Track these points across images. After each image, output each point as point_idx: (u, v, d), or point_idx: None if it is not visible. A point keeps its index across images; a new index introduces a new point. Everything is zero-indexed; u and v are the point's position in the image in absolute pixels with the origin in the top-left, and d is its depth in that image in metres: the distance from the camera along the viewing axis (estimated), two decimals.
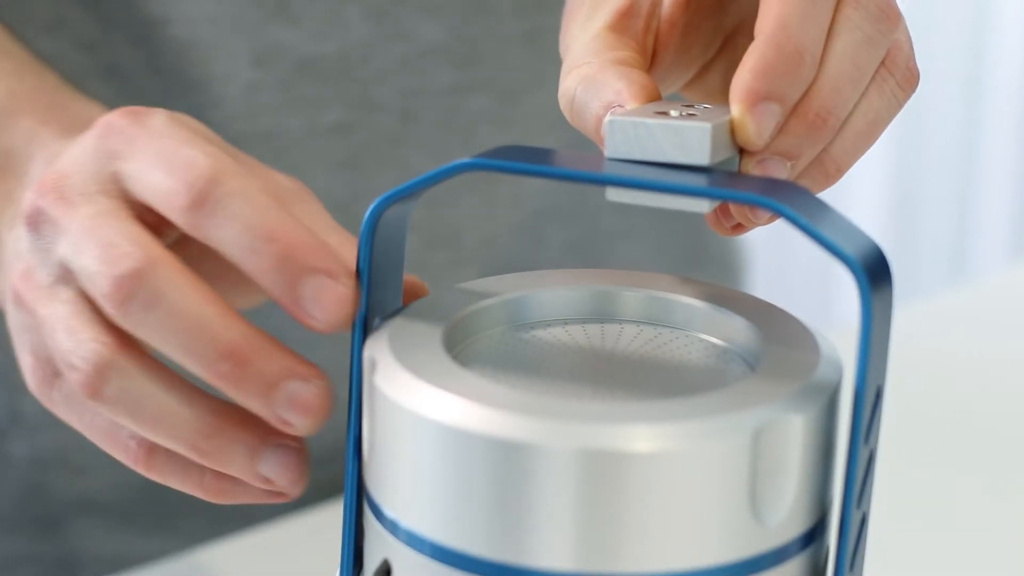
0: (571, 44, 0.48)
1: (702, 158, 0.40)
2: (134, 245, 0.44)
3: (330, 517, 0.67)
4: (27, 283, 0.48)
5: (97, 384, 0.45)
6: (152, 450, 0.47)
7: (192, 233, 0.45)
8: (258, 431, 0.45)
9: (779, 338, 0.42)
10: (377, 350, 0.41)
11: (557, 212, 0.77)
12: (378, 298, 0.43)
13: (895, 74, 0.46)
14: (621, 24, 0.48)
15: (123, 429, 0.47)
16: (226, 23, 0.68)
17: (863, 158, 2.22)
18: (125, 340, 0.45)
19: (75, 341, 0.45)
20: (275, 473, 0.45)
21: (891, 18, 0.45)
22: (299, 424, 0.43)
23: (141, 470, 0.47)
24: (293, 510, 0.74)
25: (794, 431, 0.38)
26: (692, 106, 0.43)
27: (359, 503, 0.42)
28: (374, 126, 0.71)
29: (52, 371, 0.48)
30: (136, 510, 0.74)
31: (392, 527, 0.40)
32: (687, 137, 0.41)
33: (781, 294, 2.20)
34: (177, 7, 0.67)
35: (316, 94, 0.69)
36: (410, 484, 0.39)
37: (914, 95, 2.19)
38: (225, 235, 0.44)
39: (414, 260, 0.73)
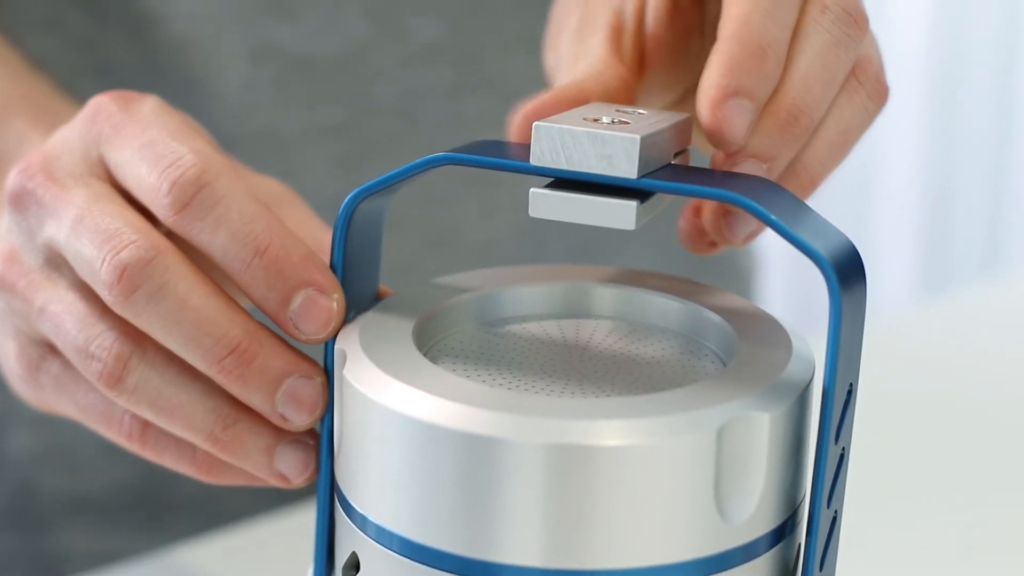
0: (561, 60, 0.48)
1: (629, 171, 0.38)
2: (137, 233, 0.44)
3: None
4: (13, 266, 0.47)
5: (119, 375, 0.44)
6: (146, 427, 0.46)
7: (177, 232, 0.44)
8: (273, 427, 0.45)
9: (752, 336, 0.41)
10: (347, 343, 0.41)
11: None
12: (353, 292, 0.43)
13: (865, 85, 0.46)
14: (615, 42, 0.47)
15: (116, 407, 0.46)
16: (222, 19, 0.67)
17: (898, 155, 2.21)
18: (139, 330, 0.45)
19: (90, 332, 0.45)
20: (289, 469, 0.45)
21: (859, 23, 0.45)
22: (297, 420, 0.43)
23: (135, 447, 0.47)
24: (281, 507, 0.74)
25: (760, 429, 0.37)
26: (629, 112, 0.41)
27: (331, 498, 0.42)
28: (372, 126, 0.71)
29: (40, 354, 0.47)
30: (128, 509, 0.74)
31: (361, 522, 0.40)
32: (614, 148, 0.38)
33: (804, 291, 2.19)
34: (173, 3, 0.67)
35: (314, 93, 0.69)
36: (378, 479, 0.39)
37: (948, 92, 2.18)
38: (211, 240, 0.44)
39: (411, 260, 0.73)
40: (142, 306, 0.43)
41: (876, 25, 0.48)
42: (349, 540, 0.40)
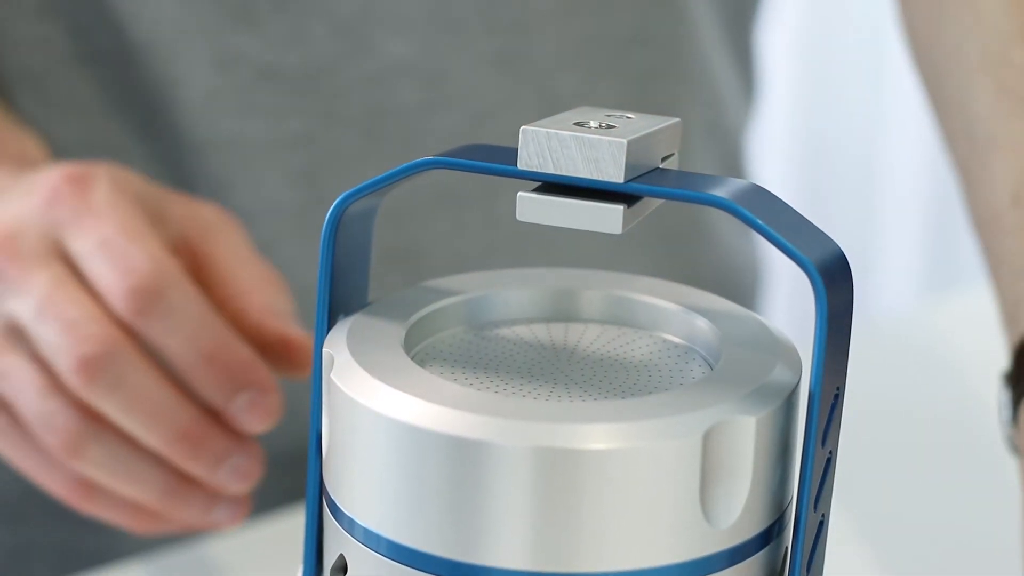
0: None
1: (616, 175, 0.38)
2: (97, 326, 0.48)
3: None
4: None
5: (76, 449, 0.49)
6: (91, 489, 0.51)
7: (133, 329, 0.49)
8: (211, 489, 0.51)
9: (739, 339, 0.41)
10: (336, 347, 0.41)
11: (538, 235, 0.76)
12: (341, 295, 0.43)
13: None
14: None
15: (62, 470, 0.51)
16: (188, 27, 0.68)
17: (902, 154, 2.21)
18: (95, 410, 0.50)
19: (50, 405, 0.49)
20: (224, 519, 0.51)
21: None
22: (237, 489, 0.50)
23: (75, 504, 0.51)
24: (270, 510, 0.74)
25: (746, 432, 0.38)
26: (617, 116, 0.41)
27: (320, 500, 0.42)
28: (337, 139, 0.70)
29: None
30: None
31: (348, 524, 0.40)
32: (601, 152, 0.38)
33: (808, 299, 2.19)
34: (140, 10, 0.67)
35: (277, 104, 0.69)
36: (365, 482, 0.39)
37: None
38: (164, 343, 0.48)
39: (374, 276, 0.72)
40: (101, 395, 0.48)
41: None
42: (337, 542, 0.41)
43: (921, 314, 0.93)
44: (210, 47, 0.68)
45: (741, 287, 0.85)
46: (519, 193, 0.39)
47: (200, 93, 0.69)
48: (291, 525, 0.65)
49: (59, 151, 0.69)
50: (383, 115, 0.71)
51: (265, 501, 0.74)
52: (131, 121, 0.70)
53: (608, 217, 0.39)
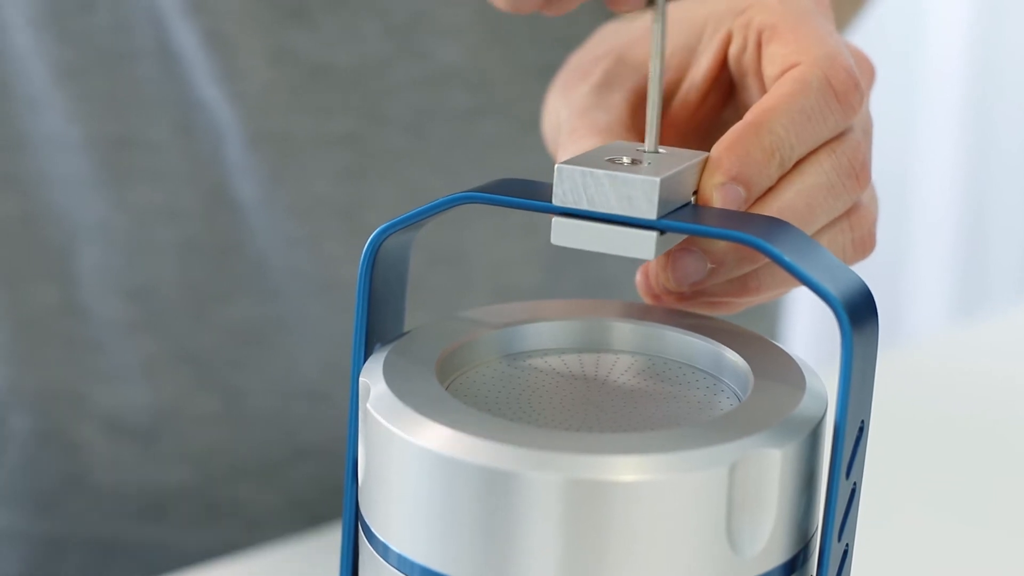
0: (574, 106, 0.50)
1: (648, 212, 0.40)
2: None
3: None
4: None
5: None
6: None
7: None
8: None
9: (767, 372, 0.42)
10: (371, 376, 0.42)
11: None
12: (378, 325, 0.44)
13: (855, 232, 0.48)
14: (635, 106, 0.50)
15: None
16: (247, 19, 0.69)
17: (934, 176, 2.21)
18: None
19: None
20: None
21: (859, 178, 0.47)
22: None
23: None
24: (308, 528, 0.75)
25: (772, 464, 0.38)
26: (648, 152, 0.43)
27: (356, 525, 0.43)
28: (384, 139, 0.72)
29: None
30: (129, 492, 0.76)
31: (383, 550, 0.41)
32: (634, 189, 0.40)
33: (829, 325, 2.19)
34: (205, 1, 0.69)
35: (328, 101, 0.71)
36: (400, 509, 0.40)
37: (984, 103, 2.17)
38: None
39: (415, 278, 0.74)
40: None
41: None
42: (372, 568, 0.41)
43: (952, 337, 0.93)
44: (266, 41, 0.70)
45: (767, 307, 0.86)
46: (554, 217, 0.41)
47: (256, 86, 0.70)
48: (326, 543, 0.66)
49: (93, 145, 0.71)
50: (430, 117, 0.72)
51: (280, 511, 0.75)
52: (171, 117, 0.71)
53: (641, 243, 0.40)
